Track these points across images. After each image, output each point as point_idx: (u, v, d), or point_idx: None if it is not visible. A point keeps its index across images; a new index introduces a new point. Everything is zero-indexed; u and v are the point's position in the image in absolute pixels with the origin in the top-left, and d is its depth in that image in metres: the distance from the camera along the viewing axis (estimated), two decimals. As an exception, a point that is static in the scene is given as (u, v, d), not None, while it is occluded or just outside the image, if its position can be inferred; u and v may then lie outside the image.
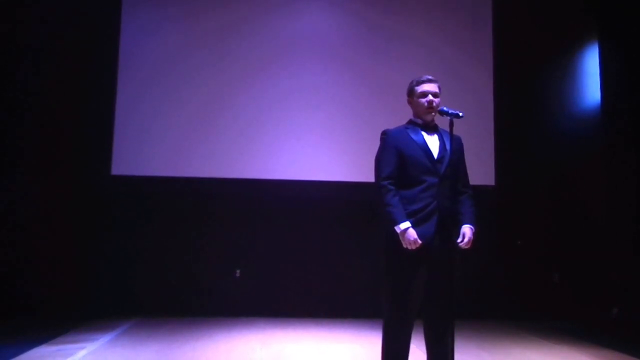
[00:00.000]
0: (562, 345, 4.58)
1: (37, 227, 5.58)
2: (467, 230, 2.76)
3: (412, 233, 2.64)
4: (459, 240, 2.74)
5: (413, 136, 2.81)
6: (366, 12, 6.31)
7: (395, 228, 2.65)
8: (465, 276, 3.02)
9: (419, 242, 2.63)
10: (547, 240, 6.06)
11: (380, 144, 2.87)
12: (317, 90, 6.14)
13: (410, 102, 2.91)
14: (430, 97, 2.81)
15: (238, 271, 6.00)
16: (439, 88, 2.87)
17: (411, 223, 2.66)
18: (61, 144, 5.79)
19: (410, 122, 2.91)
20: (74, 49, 5.86)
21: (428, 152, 2.78)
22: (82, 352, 3.97)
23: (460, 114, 2.68)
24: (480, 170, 5.54)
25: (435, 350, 2.75)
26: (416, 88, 2.86)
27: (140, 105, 5.95)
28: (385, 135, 2.86)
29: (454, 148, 2.77)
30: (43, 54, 5.77)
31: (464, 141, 2.92)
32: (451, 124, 2.72)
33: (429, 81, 2.85)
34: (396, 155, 2.77)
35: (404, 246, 2.64)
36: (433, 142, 2.82)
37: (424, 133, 2.83)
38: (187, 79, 6.03)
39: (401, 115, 3.05)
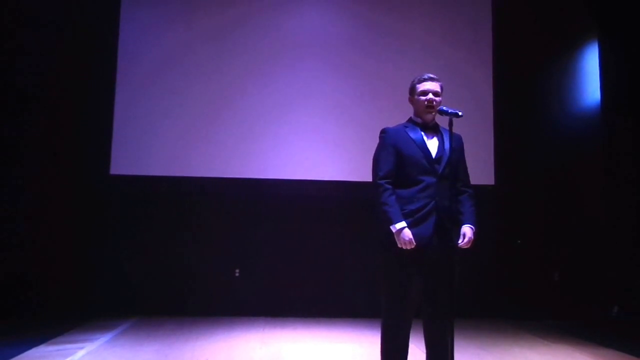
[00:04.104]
0: (562, 344, 4.57)
1: (36, 227, 5.57)
2: (467, 230, 2.74)
3: (407, 233, 2.62)
4: (459, 241, 2.72)
5: (412, 135, 2.79)
6: (365, 12, 6.30)
7: (391, 228, 2.63)
8: (465, 275, 3.00)
9: (414, 243, 2.61)
10: (547, 239, 6.05)
11: (379, 142, 2.85)
12: (316, 90, 6.13)
13: (411, 101, 2.89)
14: (430, 95, 2.78)
15: (237, 270, 5.99)
16: (441, 87, 2.83)
17: (409, 223, 2.64)
18: (60, 143, 5.78)
19: (409, 120, 2.89)
20: (73, 48, 5.85)
21: (426, 151, 2.75)
22: (81, 352, 3.96)
23: (460, 113, 2.65)
24: (480, 169, 5.52)
25: (435, 350, 2.74)
26: (417, 86, 2.82)
27: (139, 104, 5.94)
28: (384, 134, 2.83)
29: (454, 147, 2.74)
30: (42, 53, 5.75)
31: (463, 140, 2.90)
32: (450, 123, 2.69)
33: (431, 80, 2.81)
34: (394, 154, 2.75)
35: (399, 246, 2.63)
36: (432, 142, 2.79)
37: (422, 132, 2.80)
38: (186, 79, 6.02)
39: (399, 115, 3.03)
